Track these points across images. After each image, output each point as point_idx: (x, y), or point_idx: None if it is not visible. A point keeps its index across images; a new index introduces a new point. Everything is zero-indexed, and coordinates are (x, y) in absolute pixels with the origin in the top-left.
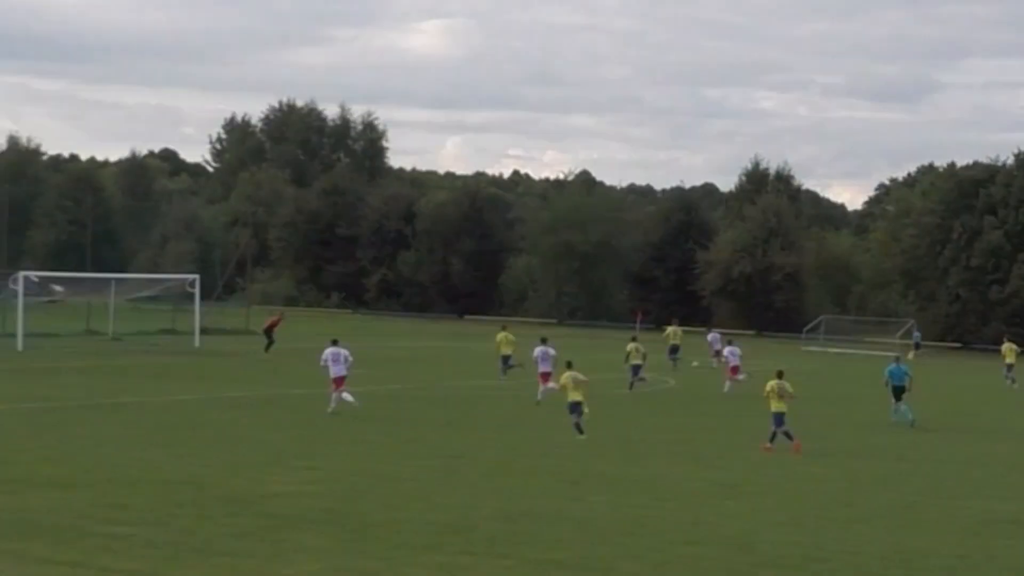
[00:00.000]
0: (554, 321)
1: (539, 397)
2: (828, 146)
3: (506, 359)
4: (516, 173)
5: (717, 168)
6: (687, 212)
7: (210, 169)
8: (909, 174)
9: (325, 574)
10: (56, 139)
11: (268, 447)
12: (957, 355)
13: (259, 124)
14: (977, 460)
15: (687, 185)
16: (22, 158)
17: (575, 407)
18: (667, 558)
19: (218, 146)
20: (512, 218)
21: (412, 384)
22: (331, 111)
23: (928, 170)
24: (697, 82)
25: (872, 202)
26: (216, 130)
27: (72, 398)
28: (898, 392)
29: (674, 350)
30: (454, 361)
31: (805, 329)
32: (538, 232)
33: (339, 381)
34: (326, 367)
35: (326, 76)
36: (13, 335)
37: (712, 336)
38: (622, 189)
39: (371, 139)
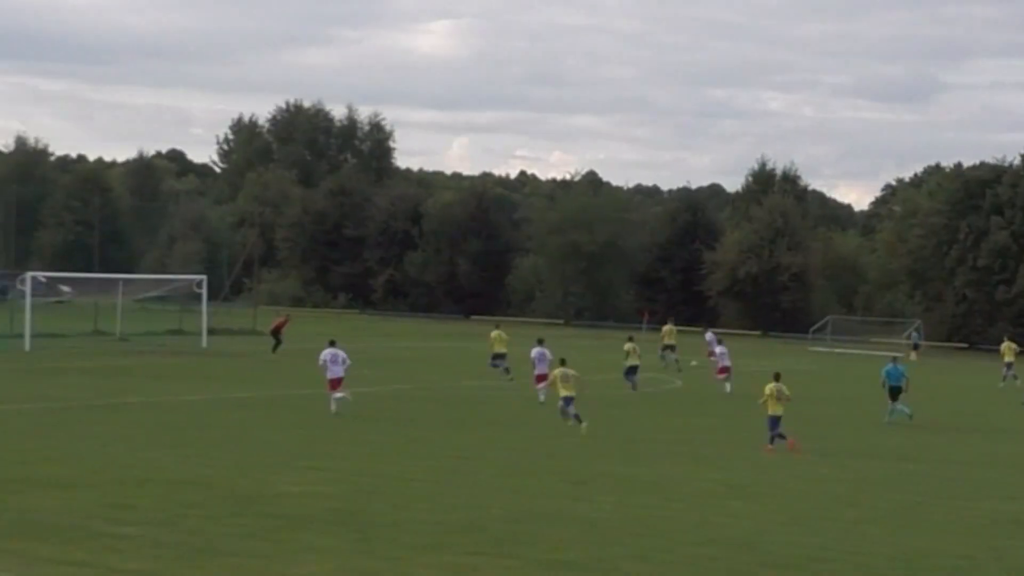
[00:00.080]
0: (560, 321)
1: (541, 398)
2: (834, 146)
3: (498, 357)
4: (523, 173)
5: (723, 168)
6: (693, 212)
7: (217, 169)
8: (916, 174)
9: (332, 574)
10: (64, 140)
11: (275, 447)
12: (963, 355)
13: (266, 125)
14: (983, 460)
15: (693, 185)
16: (30, 159)
17: (568, 402)
18: (673, 558)
19: (225, 146)
20: (519, 218)
21: (418, 384)
22: (338, 112)
23: (934, 170)
24: (703, 82)
25: (878, 202)
26: (223, 131)
27: (79, 398)
28: (894, 392)
29: (666, 348)
30: (460, 361)
31: (811, 329)
32: (544, 232)
33: (336, 383)
34: (324, 367)
35: (333, 77)
36: (21, 335)
37: (709, 335)
38: (628, 189)
39: (378, 140)
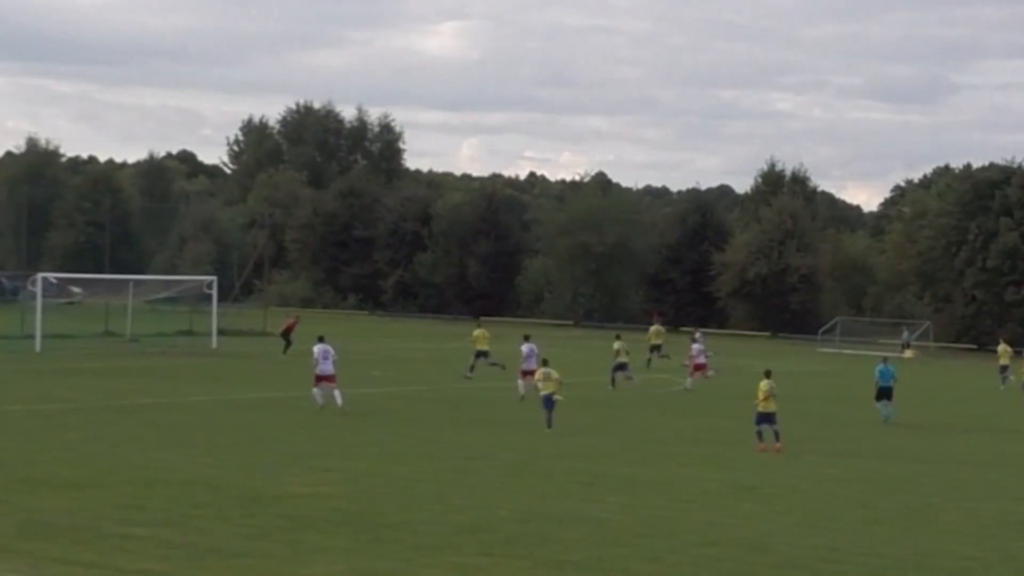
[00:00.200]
0: (570, 322)
1: (521, 391)
2: (844, 147)
3: (480, 355)
4: (532, 175)
5: (733, 170)
6: (703, 214)
7: (228, 171)
8: (925, 175)
9: (342, 575)
10: (74, 141)
11: (285, 448)
12: (972, 356)
13: (276, 126)
14: (991, 461)
15: (703, 187)
16: (41, 160)
17: (548, 400)
18: (682, 559)
19: (236, 148)
20: (528, 220)
21: (428, 385)
22: (348, 113)
23: (944, 171)
24: (712, 83)
25: (888, 203)
26: (234, 132)
27: (89, 399)
28: (884, 392)
29: (653, 349)
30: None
31: (821, 331)
32: (554, 234)
33: (329, 379)
34: (315, 363)
35: (343, 78)
36: (31, 336)
37: (700, 335)
38: (638, 191)
39: (388, 141)
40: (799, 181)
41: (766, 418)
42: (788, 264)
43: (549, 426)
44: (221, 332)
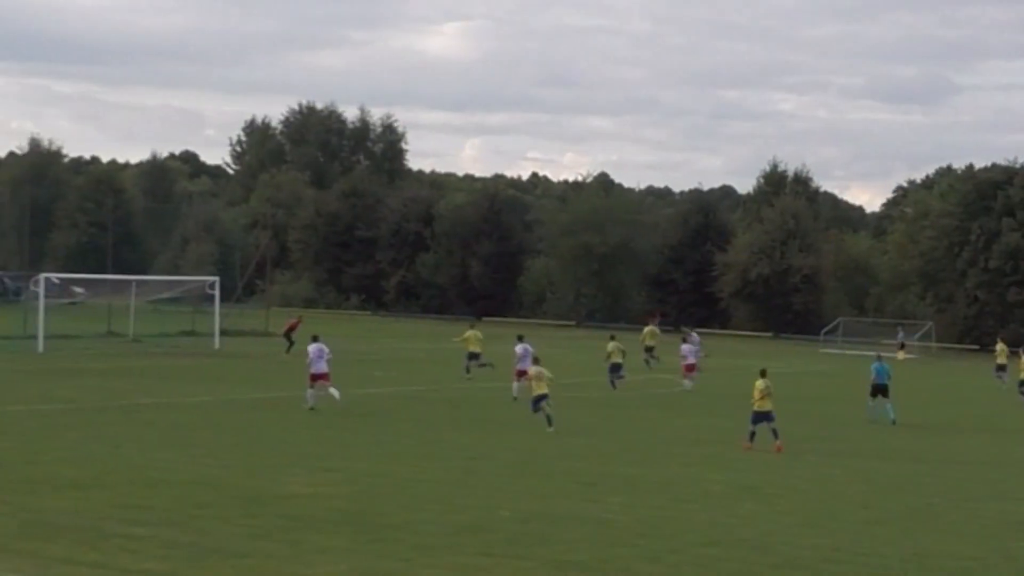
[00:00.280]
0: (572, 323)
1: (515, 393)
2: (846, 148)
3: (473, 356)
4: (535, 175)
5: (735, 170)
6: (705, 214)
7: (230, 171)
8: (927, 176)
9: (343, 575)
10: (77, 141)
11: (287, 448)
12: (975, 357)
13: (279, 126)
14: (994, 461)
15: (705, 187)
16: (43, 160)
17: (540, 399)
18: (684, 559)
19: (238, 148)
20: (531, 220)
21: (430, 386)
22: (351, 113)
23: (946, 172)
24: (715, 84)
25: (890, 204)
26: (236, 132)
27: (92, 399)
28: (879, 390)
29: (648, 350)
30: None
31: (823, 331)
32: (556, 234)
33: (323, 377)
34: (310, 363)
35: (346, 78)
36: (34, 337)
37: (692, 336)
38: (640, 191)
39: (390, 141)
40: (801, 181)
41: (763, 417)
42: (790, 264)
43: (550, 424)
44: (223, 332)
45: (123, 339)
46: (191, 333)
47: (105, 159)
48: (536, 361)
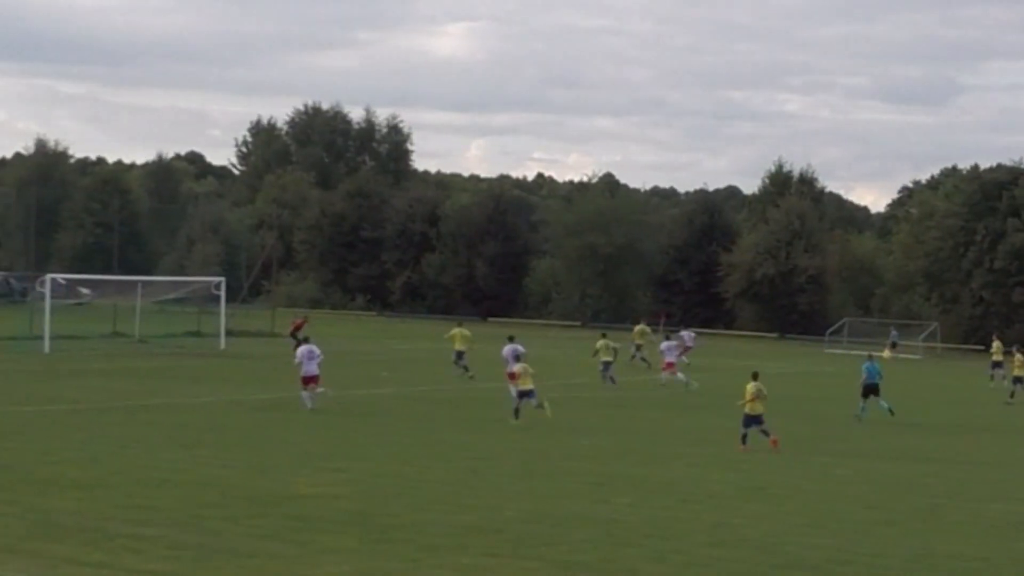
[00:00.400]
0: (578, 323)
1: (513, 394)
2: (851, 148)
3: (460, 355)
4: (540, 176)
5: (740, 170)
6: (710, 214)
7: (236, 172)
8: (932, 176)
9: (349, 575)
10: (83, 142)
11: (294, 449)
12: (980, 357)
13: (285, 127)
14: (998, 461)
15: (710, 187)
16: (49, 161)
17: (524, 394)
18: (691, 560)
19: (244, 149)
20: (536, 220)
21: (436, 386)
22: (356, 114)
23: (951, 172)
24: (720, 84)
25: (895, 204)
26: (242, 133)
27: (98, 400)
28: (870, 389)
29: (638, 348)
30: (478, 363)
31: (828, 332)
32: (562, 234)
33: (313, 380)
34: (300, 365)
35: (351, 79)
36: (40, 337)
37: (686, 334)
38: (645, 191)
39: (396, 142)
40: (806, 182)
41: (753, 420)
42: (796, 265)
43: (543, 406)
44: (229, 333)
45: (129, 340)
46: (197, 334)
47: (111, 160)
48: (518, 358)
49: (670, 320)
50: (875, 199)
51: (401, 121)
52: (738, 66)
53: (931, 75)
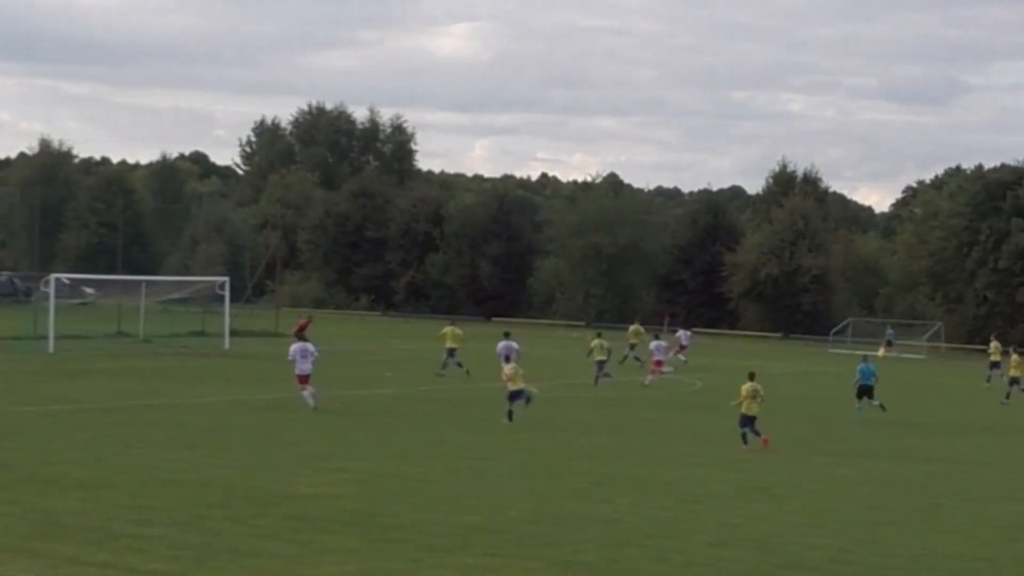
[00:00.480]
0: (582, 323)
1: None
2: (855, 148)
3: (451, 352)
4: (544, 176)
5: (744, 170)
6: (714, 214)
7: (240, 172)
8: (936, 176)
9: (353, 575)
10: (87, 142)
11: (297, 449)
12: (984, 358)
13: (288, 127)
14: (1001, 462)
15: (714, 187)
16: (53, 161)
17: (515, 395)
18: (693, 560)
19: (248, 149)
20: (540, 220)
21: (438, 386)
22: (360, 114)
23: (955, 172)
24: (724, 84)
25: (899, 204)
26: (246, 133)
27: (102, 400)
28: (864, 390)
29: (631, 347)
30: (481, 363)
31: (832, 331)
32: (566, 234)
33: (304, 378)
34: (293, 362)
35: (355, 79)
36: (44, 337)
37: (682, 333)
38: (649, 191)
39: (400, 142)
40: (810, 182)
41: (749, 421)
42: (800, 265)
43: (510, 419)
44: (233, 333)
45: (133, 339)
46: (201, 334)
47: (115, 160)
48: (507, 359)
49: (674, 320)
50: (879, 199)
51: (405, 121)
52: (741, 66)
53: (934, 75)
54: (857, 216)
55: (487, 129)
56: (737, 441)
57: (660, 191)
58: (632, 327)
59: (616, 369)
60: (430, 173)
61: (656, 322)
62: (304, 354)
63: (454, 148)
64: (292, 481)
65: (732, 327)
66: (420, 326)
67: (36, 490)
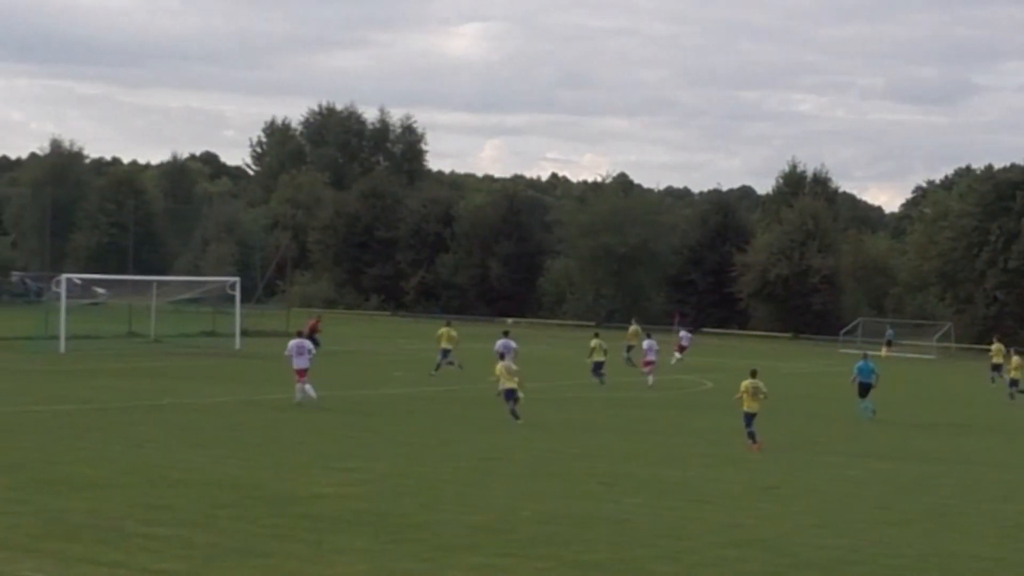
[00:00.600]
0: (592, 323)
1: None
2: (865, 148)
3: (445, 353)
4: (554, 176)
5: (754, 170)
6: (724, 215)
7: (250, 172)
8: (946, 176)
9: (364, 575)
10: (98, 142)
11: (308, 449)
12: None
13: (299, 127)
14: (1011, 462)
15: (724, 188)
16: (65, 161)
17: (509, 394)
18: (703, 560)
19: (258, 149)
20: (550, 221)
21: (449, 386)
22: (370, 114)
23: (965, 172)
24: (734, 85)
25: (909, 204)
26: (256, 133)
27: (113, 400)
28: (864, 389)
29: (630, 348)
30: (490, 364)
31: (842, 332)
32: (576, 235)
33: (301, 373)
34: (289, 358)
35: (365, 79)
36: (56, 337)
37: (683, 333)
38: (659, 192)
39: (410, 142)
40: (820, 182)
41: (750, 418)
42: (809, 265)
43: (517, 417)
44: (244, 333)
45: (144, 339)
46: (212, 333)
47: (126, 160)
48: (501, 357)
49: (684, 320)
50: (889, 199)
51: (415, 121)
52: (752, 66)
53: (945, 75)
54: (867, 216)
55: (497, 129)
56: (742, 441)
57: (670, 191)
58: (632, 328)
59: (620, 370)
60: (440, 173)
61: (667, 322)
62: (300, 350)
63: (464, 148)
64: (303, 481)
65: (742, 327)
66: (430, 327)
67: (47, 489)
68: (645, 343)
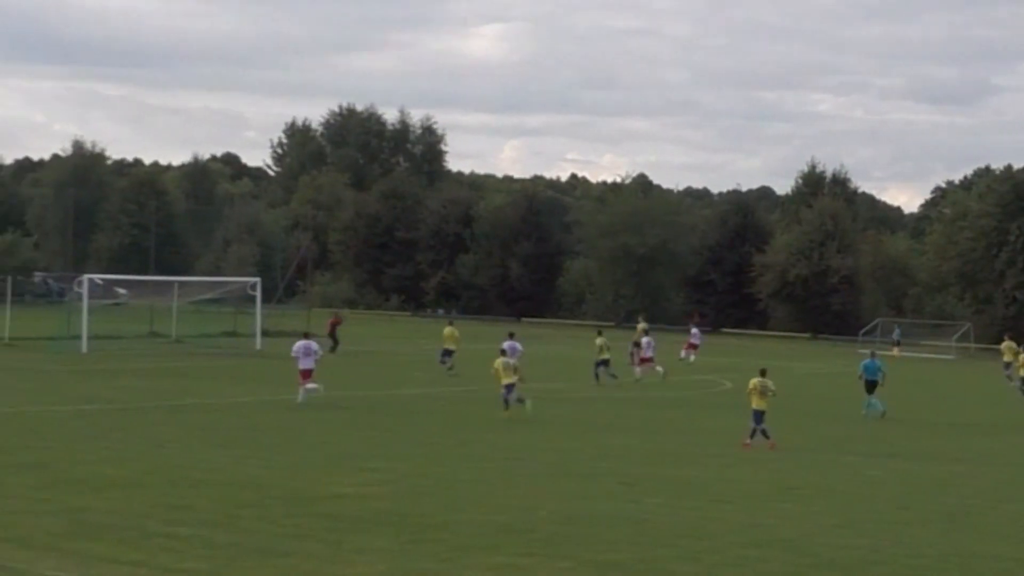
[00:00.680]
0: (611, 324)
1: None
2: (884, 149)
3: (447, 353)
4: (574, 176)
5: (773, 171)
6: (743, 215)
7: (271, 173)
8: (965, 177)
9: (385, 575)
10: (120, 143)
11: (329, 449)
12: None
13: (320, 128)
14: None
15: (743, 188)
16: (87, 162)
17: (509, 389)
18: (724, 560)
19: (279, 150)
20: (569, 221)
21: (469, 386)
22: (390, 115)
23: (984, 173)
24: (753, 85)
25: (928, 205)
26: (277, 134)
27: (135, 400)
28: (870, 386)
29: (635, 346)
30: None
31: (861, 332)
32: (595, 235)
33: (307, 374)
34: (297, 359)
35: (386, 80)
36: (78, 337)
37: (694, 331)
38: (679, 192)
39: (430, 143)
40: (840, 182)
41: (759, 416)
42: (829, 265)
43: (523, 401)
44: (265, 333)
45: (166, 340)
46: (233, 334)
47: (147, 161)
48: (503, 353)
49: (704, 321)
50: (908, 199)
51: (435, 122)
52: (771, 67)
53: (964, 75)
54: (886, 216)
55: (517, 130)
56: (761, 440)
57: (689, 192)
58: (640, 325)
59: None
60: (460, 174)
61: (686, 323)
62: (307, 351)
63: (484, 149)
64: (324, 481)
65: (761, 327)
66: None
67: (70, 489)
68: (644, 339)
